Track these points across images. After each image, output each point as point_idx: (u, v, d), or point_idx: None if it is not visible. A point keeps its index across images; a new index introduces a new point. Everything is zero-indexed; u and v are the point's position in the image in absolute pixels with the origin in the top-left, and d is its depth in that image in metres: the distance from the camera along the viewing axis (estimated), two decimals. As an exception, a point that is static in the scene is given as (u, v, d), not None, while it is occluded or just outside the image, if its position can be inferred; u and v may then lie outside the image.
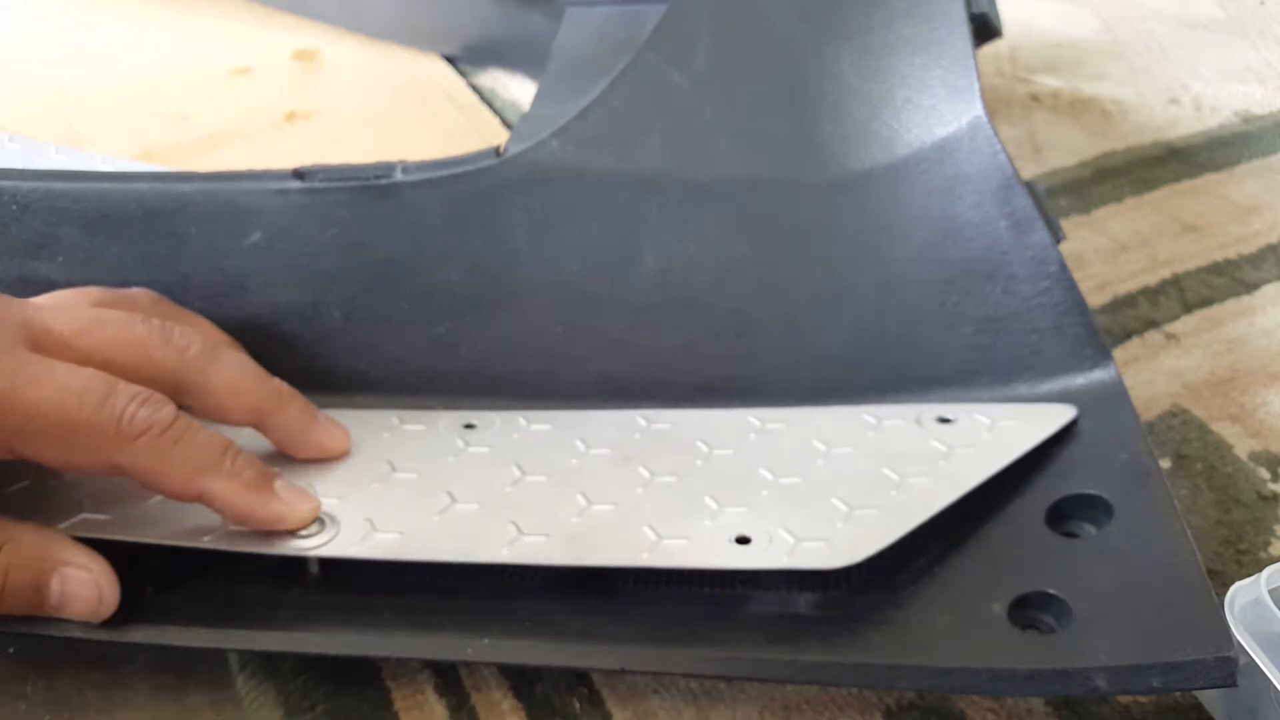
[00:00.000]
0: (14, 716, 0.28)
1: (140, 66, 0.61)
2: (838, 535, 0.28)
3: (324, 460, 0.33)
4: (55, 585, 0.27)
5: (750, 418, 0.34)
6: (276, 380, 0.33)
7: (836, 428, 0.33)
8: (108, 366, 0.29)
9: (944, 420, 0.33)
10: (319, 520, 0.29)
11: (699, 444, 0.33)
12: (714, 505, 0.30)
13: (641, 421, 0.34)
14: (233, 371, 0.32)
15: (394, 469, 0.32)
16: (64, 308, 0.31)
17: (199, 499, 0.29)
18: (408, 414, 0.35)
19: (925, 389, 0.35)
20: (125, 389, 0.28)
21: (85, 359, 0.29)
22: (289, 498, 0.29)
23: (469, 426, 0.34)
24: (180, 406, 0.29)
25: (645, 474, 0.32)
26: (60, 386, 0.27)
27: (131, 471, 0.28)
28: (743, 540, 0.28)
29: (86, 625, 0.28)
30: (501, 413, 0.35)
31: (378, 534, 0.29)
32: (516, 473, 0.32)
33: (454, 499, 0.31)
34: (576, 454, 0.33)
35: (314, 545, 0.29)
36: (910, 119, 0.37)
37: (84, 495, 0.30)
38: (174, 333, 0.31)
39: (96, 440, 0.27)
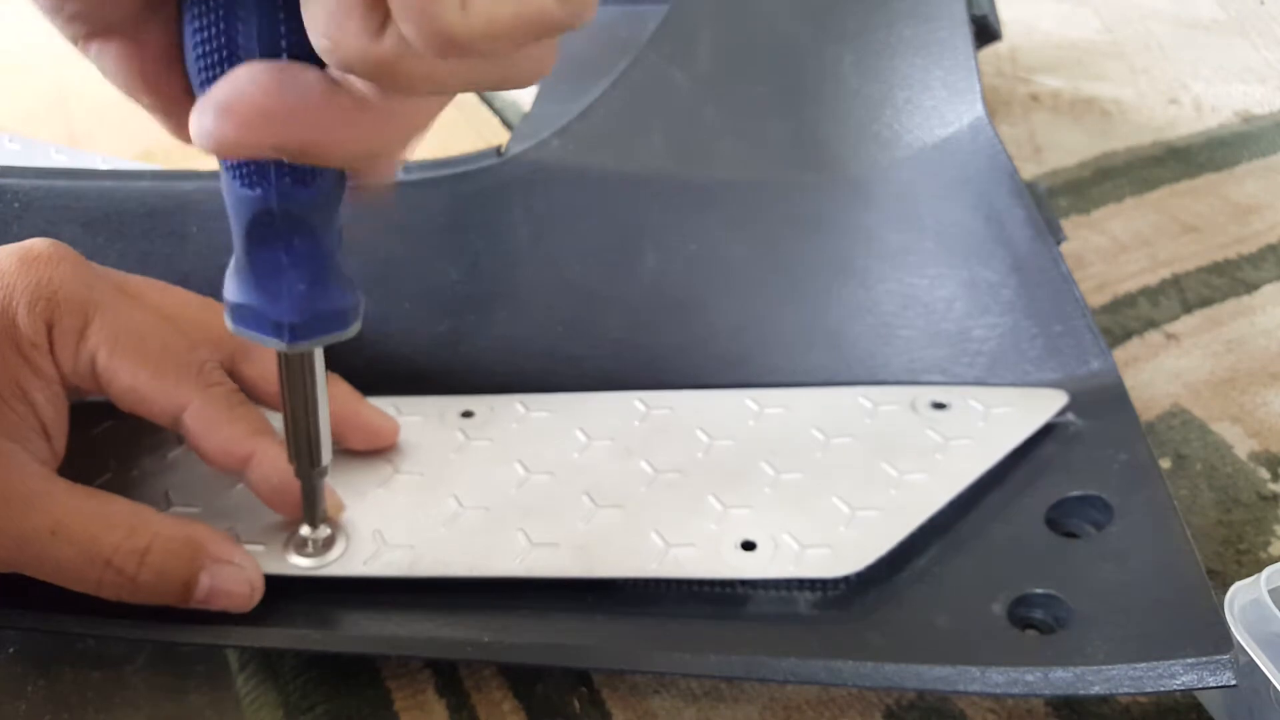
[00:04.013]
0: (14, 716, 0.28)
1: (140, 66, 0.61)
2: (841, 541, 0.29)
3: (369, 447, 0.33)
4: (204, 581, 0.27)
5: (748, 400, 0.34)
6: None
7: (833, 412, 0.33)
8: (179, 319, 0.30)
9: (938, 405, 0.34)
10: (329, 533, 0.29)
11: (699, 433, 0.33)
12: (718, 506, 0.30)
13: (640, 406, 0.34)
14: None
15: (397, 470, 0.32)
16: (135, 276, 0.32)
17: (246, 460, 0.29)
18: (404, 401, 0.35)
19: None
20: (208, 350, 0.30)
21: (158, 309, 0.30)
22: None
23: (466, 414, 0.34)
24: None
25: (649, 470, 0.32)
26: (155, 323, 0.29)
27: (198, 417, 0.29)
28: (748, 546, 0.29)
29: (86, 622, 0.28)
30: (498, 397, 0.35)
31: (388, 549, 0.29)
32: (521, 472, 0.32)
33: (461, 504, 0.31)
34: (578, 447, 0.33)
35: (325, 563, 0.29)
36: (911, 120, 0.37)
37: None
38: None
39: (181, 373, 0.29)
